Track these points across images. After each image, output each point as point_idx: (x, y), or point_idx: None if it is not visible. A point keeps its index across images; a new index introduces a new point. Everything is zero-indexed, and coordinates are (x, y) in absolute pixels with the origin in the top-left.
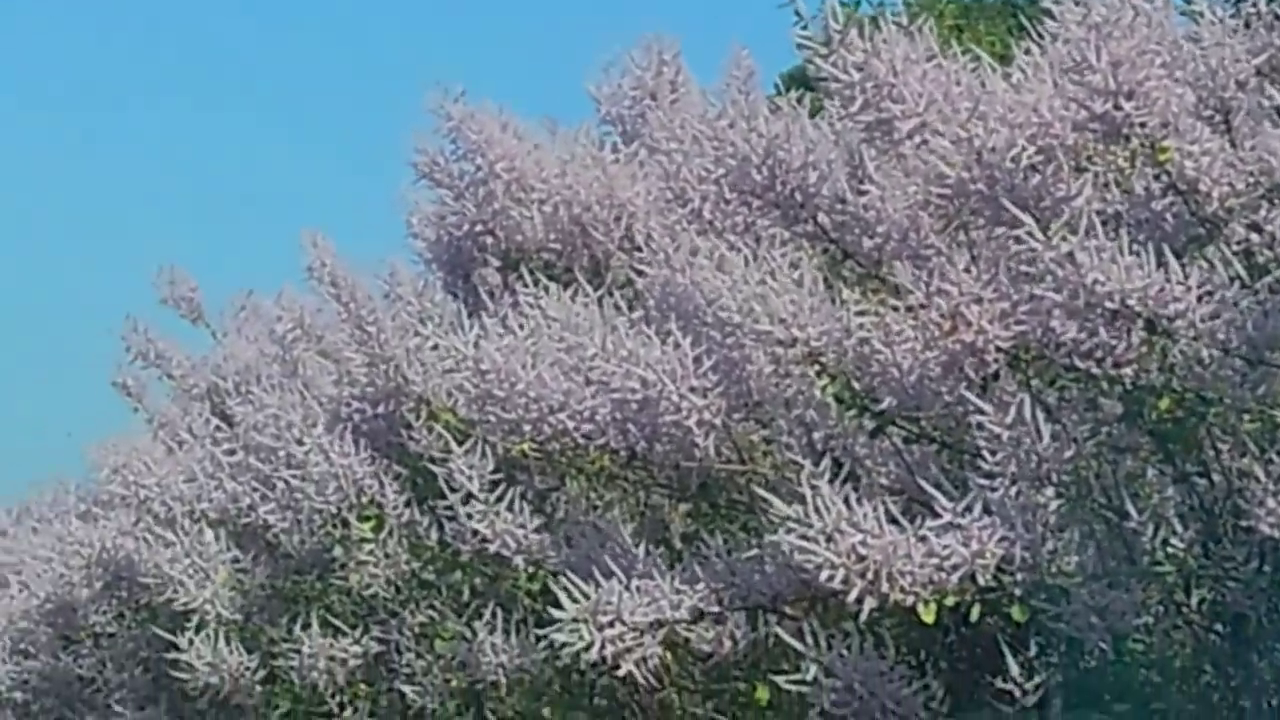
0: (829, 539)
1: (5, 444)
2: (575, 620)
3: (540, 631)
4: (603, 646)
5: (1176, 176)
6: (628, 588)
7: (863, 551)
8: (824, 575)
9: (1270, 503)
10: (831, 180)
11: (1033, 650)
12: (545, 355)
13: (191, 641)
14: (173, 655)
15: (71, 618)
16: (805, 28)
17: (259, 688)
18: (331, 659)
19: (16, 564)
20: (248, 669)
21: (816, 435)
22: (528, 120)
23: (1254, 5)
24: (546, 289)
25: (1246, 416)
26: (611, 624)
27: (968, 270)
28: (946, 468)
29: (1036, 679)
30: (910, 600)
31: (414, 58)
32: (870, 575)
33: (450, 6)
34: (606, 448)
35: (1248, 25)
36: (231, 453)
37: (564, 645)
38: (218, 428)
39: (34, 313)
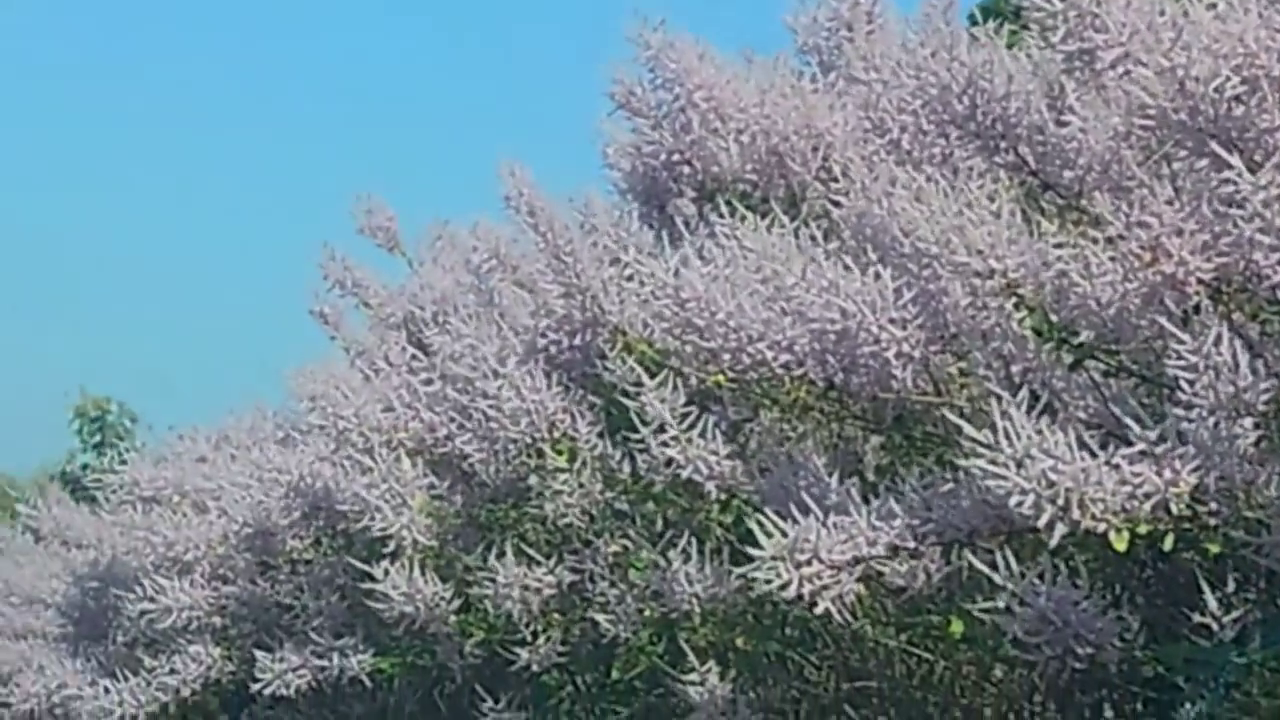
0: (1019, 465)
1: (205, 372)
2: (773, 559)
3: (736, 570)
4: (800, 585)
5: None
6: (824, 524)
7: (1053, 477)
8: (1014, 501)
9: None
10: (1031, 111)
11: (1230, 585)
12: (742, 285)
13: (387, 570)
14: (369, 584)
15: (269, 544)
16: None
17: (454, 616)
18: (526, 588)
19: (215, 490)
20: (443, 598)
21: (1014, 368)
22: (725, 51)
23: None
24: (743, 219)
25: None
26: (809, 562)
27: (1169, 202)
28: (1144, 402)
29: (1234, 613)
30: (1102, 527)
31: None
32: (1061, 501)
33: None
34: (803, 378)
35: None
36: (428, 382)
37: (760, 581)
38: (414, 357)
39: (233, 243)
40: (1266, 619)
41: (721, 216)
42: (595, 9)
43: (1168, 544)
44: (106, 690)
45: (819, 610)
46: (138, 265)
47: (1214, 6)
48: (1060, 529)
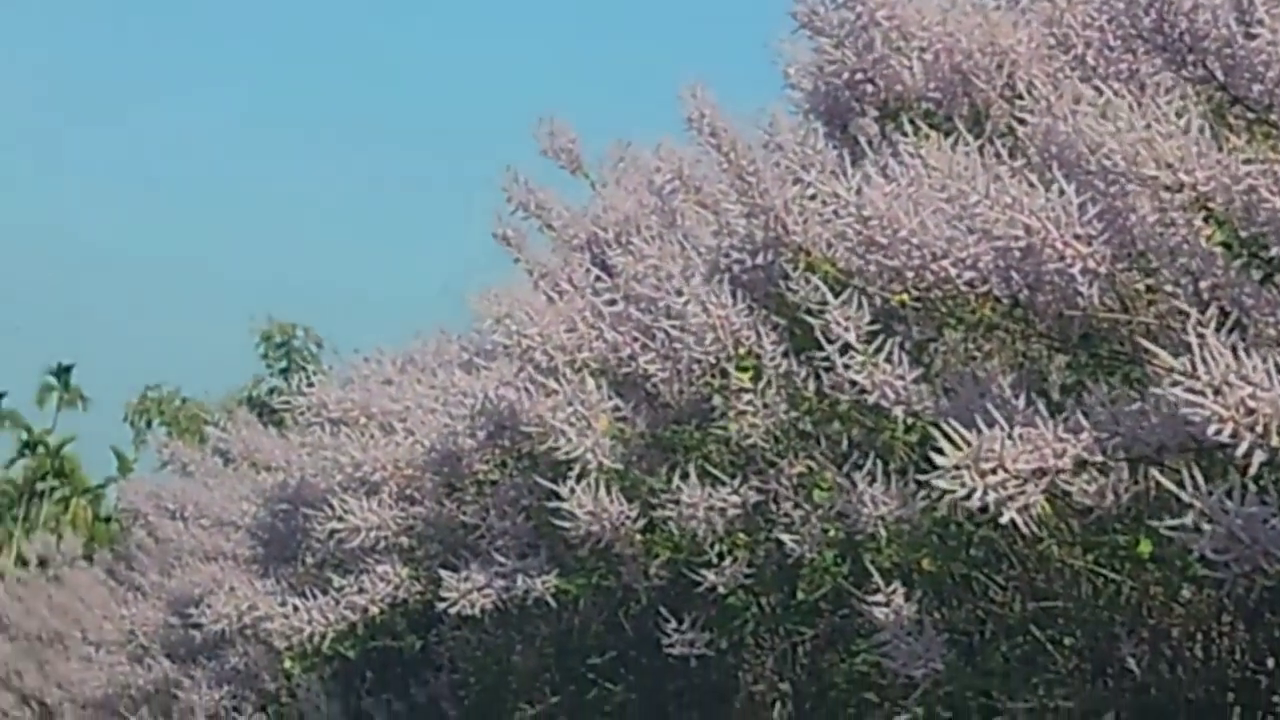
0: (1216, 391)
1: (390, 296)
2: (957, 467)
3: (920, 478)
4: (984, 494)
5: None
6: (1009, 436)
7: (1252, 405)
8: (1212, 429)
9: None
10: (1219, 24)
11: None
12: (926, 203)
13: (573, 490)
14: (554, 504)
15: (456, 466)
16: None
17: (638, 537)
18: (711, 509)
19: (402, 412)
20: (628, 518)
21: (1202, 284)
22: None
23: None
24: (926, 137)
25: None
26: (994, 471)
27: None
28: None
29: None
30: None
31: None
32: (1260, 429)
33: None
34: (988, 296)
35: None
36: (611, 303)
37: (944, 494)
38: (598, 278)
39: (417, 169)
40: None
41: (904, 135)
42: None
43: None
44: (296, 610)
45: (1003, 521)
46: (324, 192)
47: None
48: (1259, 456)
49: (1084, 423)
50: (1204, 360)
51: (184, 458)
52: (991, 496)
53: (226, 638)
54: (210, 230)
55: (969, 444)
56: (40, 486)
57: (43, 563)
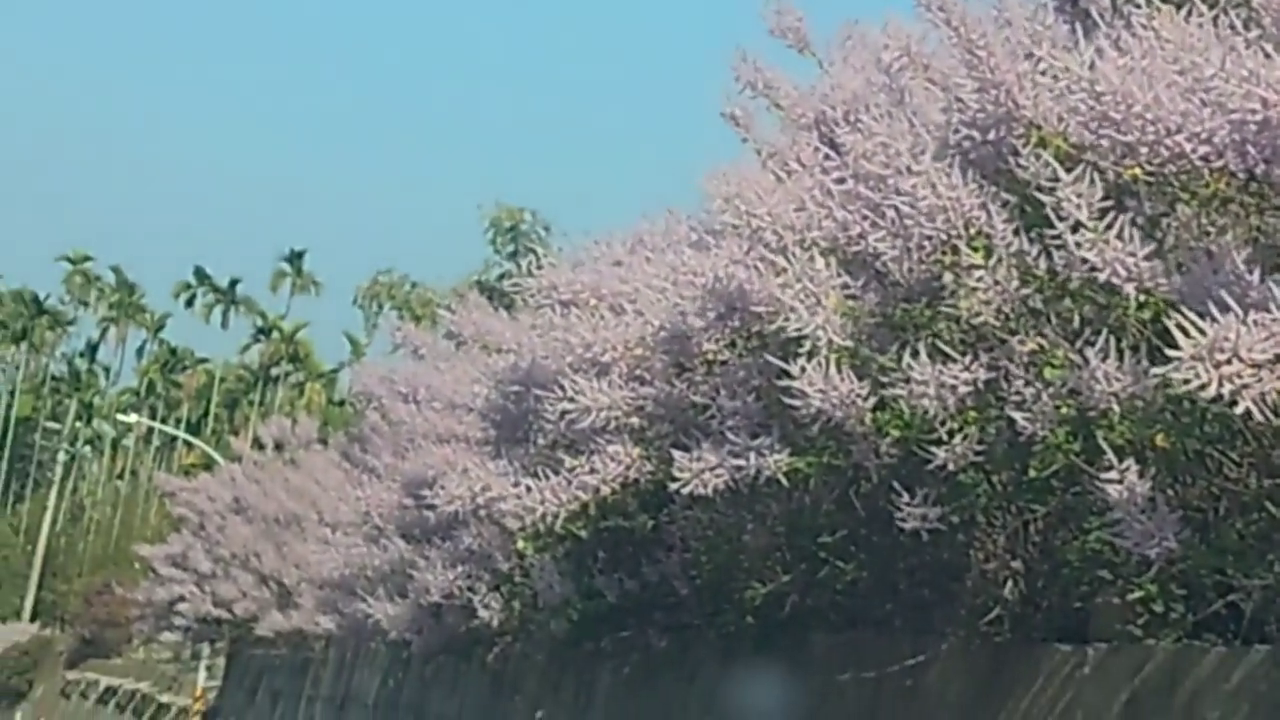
0: None
1: (619, 179)
2: (1191, 359)
3: (1155, 368)
4: (1220, 384)
5: None
6: (1244, 321)
7: None
8: None
9: None
10: None
11: None
12: (1160, 77)
13: (803, 368)
14: (784, 382)
15: (685, 345)
16: None
17: (869, 415)
18: (942, 386)
19: (631, 293)
20: (858, 395)
21: None
22: None
23: None
24: (1160, 10)
25: None
26: (1229, 361)
27: None
28: None
29: None
30: None
31: None
32: None
33: None
34: (1223, 170)
35: None
36: (840, 181)
37: (1179, 381)
38: (826, 156)
39: (640, 49)
40: None
41: (1138, 8)
42: None
43: None
44: (528, 490)
45: (1239, 409)
46: (547, 76)
47: None
48: None
49: None
50: None
51: (415, 341)
52: (1227, 387)
53: (460, 518)
54: (435, 117)
55: (1203, 333)
56: (275, 372)
57: (279, 446)
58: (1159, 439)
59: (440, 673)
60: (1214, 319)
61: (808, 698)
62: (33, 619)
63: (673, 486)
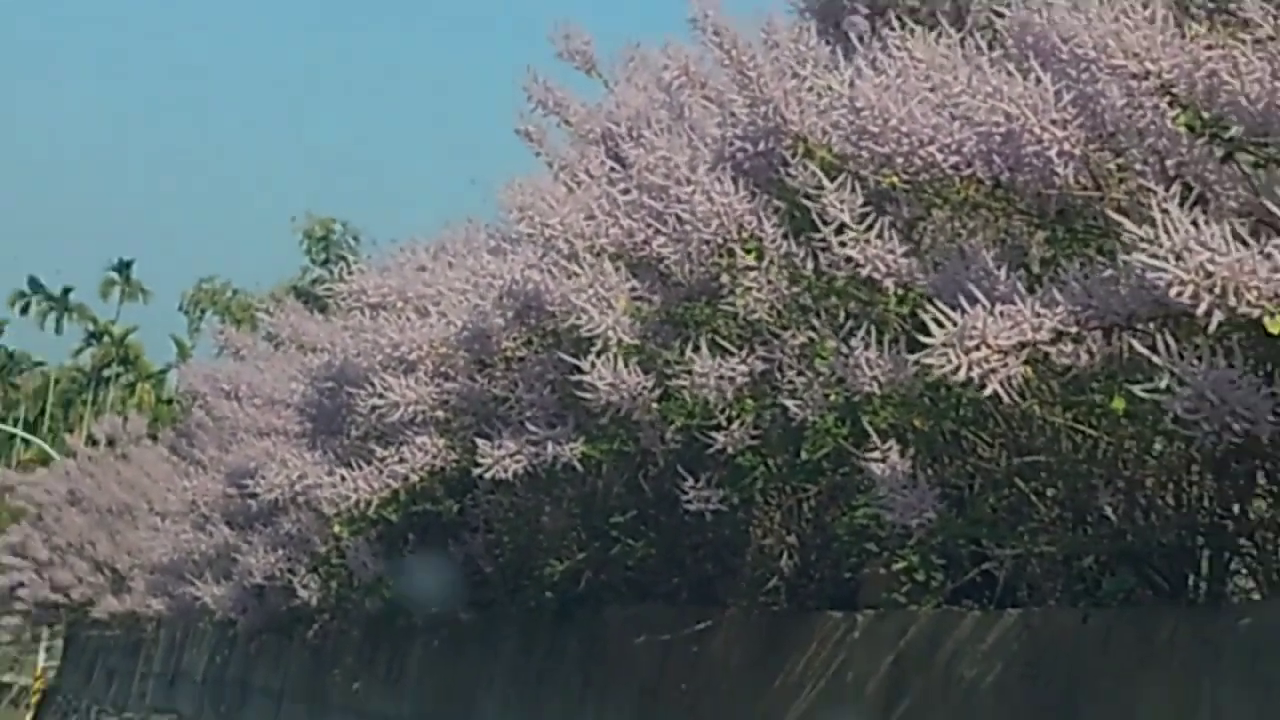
0: (1178, 257)
1: (422, 189)
2: (944, 345)
3: (910, 356)
4: (969, 369)
5: None
6: (991, 312)
7: (1210, 268)
8: (1174, 292)
9: None
10: None
11: None
12: (913, 93)
13: (594, 364)
14: (577, 377)
15: (486, 344)
16: None
17: (655, 405)
18: (721, 377)
19: (435, 295)
20: (645, 388)
21: (1168, 163)
22: None
23: None
24: (912, 32)
25: None
26: (977, 347)
27: None
28: None
29: None
30: (1256, 313)
31: None
32: (1218, 290)
33: None
34: (972, 178)
35: None
36: (625, 191)
37: (933, 366)
38: (612, 169)
39: (444, 70)
40: None
41: (892, 30)
42: None
43: None
44: (342, 479)
45: (988, 392)
46: (356, 95)
47: None
48: (1218, 316)
49: (1059, 297)
50: (1167, 230)
51: (237, 343)
52: (976, 371)
53: (280, 505)
54: (249, 134)
55: (954, 323)
56: (107, 373)
57: (111, 442)
58: (918, 421)
59: (264, 649)
60: (964, 310)
61: (603, 665)
62: None
63: (476, 472)
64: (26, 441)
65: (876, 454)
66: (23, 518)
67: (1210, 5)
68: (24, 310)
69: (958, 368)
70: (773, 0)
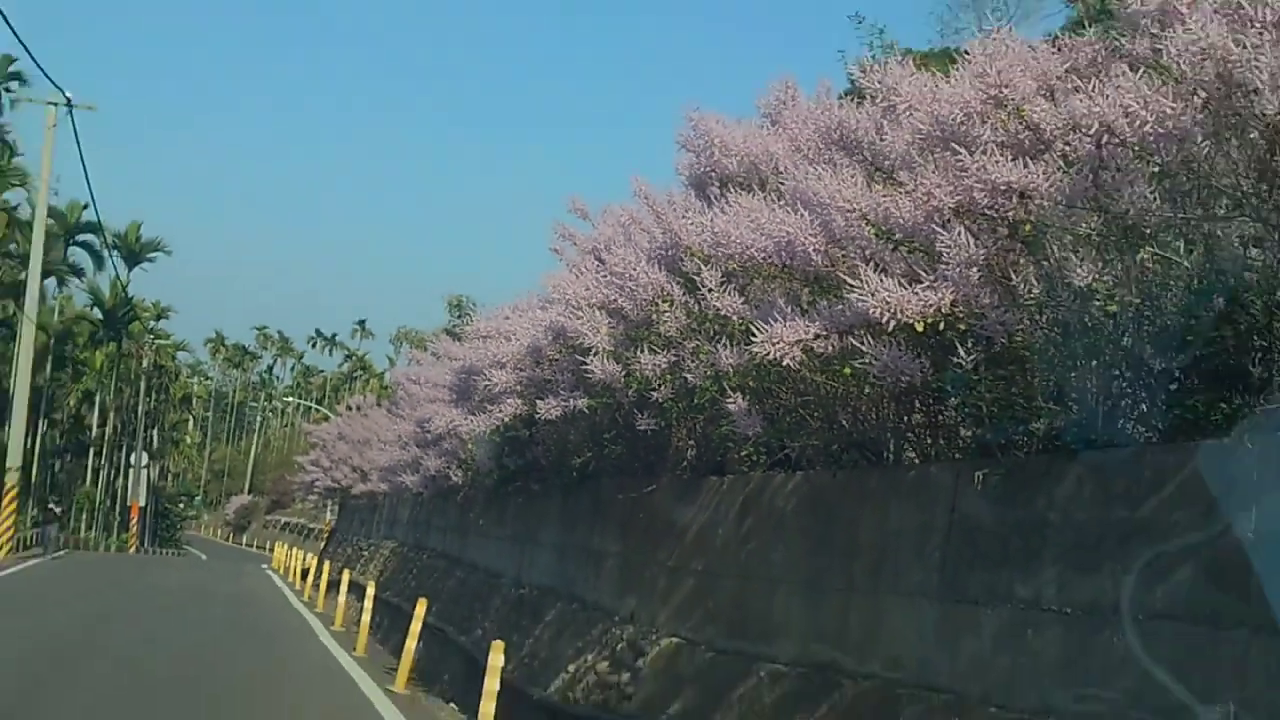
0: (873, 295)
1: (506, 278)
2: (761, 342)
3: (747, 349)
4: (775, 353)
5: None
6: (784, 325)
7: (889, 300)
8: (872, 312)
9: None
10: (868, 134)
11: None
12: (741, 222)
13: (592, 361)
14: (585, 368)
15: (538, 354)
16: None
17: (622, 379)
18: (654, 365)
19: (513, 330)
20: (616, 372)
21: (866, 252)
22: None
23: None
24: (740, 191)
25: None
26: (777, 343)
27: None
28: (922, 266)
29: (972, 357)
30: (912, 322)
31: None
32: (893, 311)
33: None
34: (772, 263)
35: None
36: (604, 276)
37: (756, 352)
38: (598, 266)
39: (516, 223)
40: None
41: (730, 192)
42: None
43: (938, 328)
44: (470, 420)
45: (784, 364)
46: (474, 225)
47: None
48: (892, 323)
49: (817, 317)
50: (867, 284)
51: (418, 358)
52: (777, 354)
53: (442, 436)
54: (416, 234)
55: (766, 331)
56: (355, 375)
57: (358, 408)
58: (751, 382)
59: (435, 508)
60: (770, 325)
61: (601, 510)
62: (248, 493)
63: (538, 416)
64: (318, 410)
65: (731, 400)
66: (315, 449)
67: (881, 174)
68: (312, 345)
69: (769, 353)
70: (671, 177)
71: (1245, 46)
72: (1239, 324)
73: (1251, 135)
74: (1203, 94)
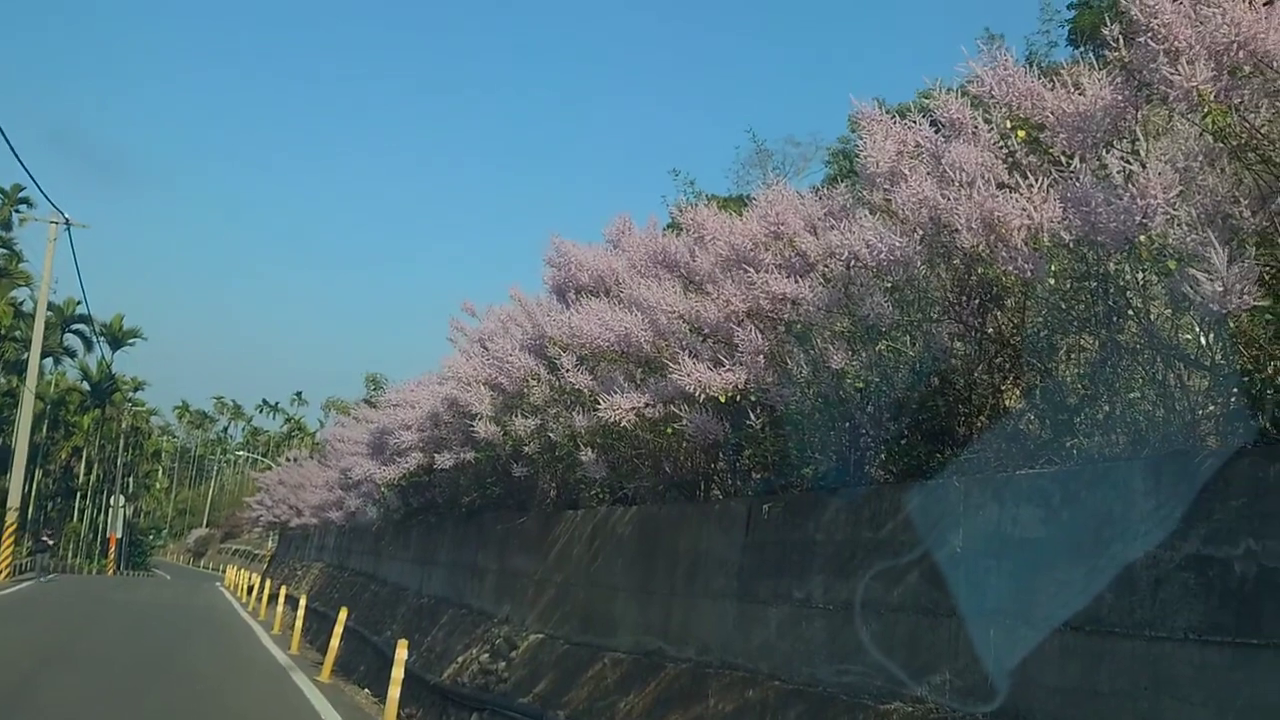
0: (688, 375)
1: (405, 364)
2: (606, 408)
3: (595, 413)
4: (616, 417)
5: None
6: (623, 396)
7: (701, 379)
8: (688, 388)
9: None
10: (682, 257)
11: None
12: (590, 319)
13: (478, 423)
14: (471, 429)
15: (437, 418)
16: None
17: (502, 436)
18: (524, 427)
19: (415, 400)
20: (497, 431)
21: (683, 342)
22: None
23: None
24: (590, 298)
25: None
26: (616, 409)
27: None
28: (723, 349)
29: (762, 419)
30: (717, 394)
31: None
32: (703, 385)
33: None
34: (613, 351)
35: None
36: (491, 361)
37: (601, 416)
38: (482, 352)
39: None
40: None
41: (582, 298)
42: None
43: (736, 399)
44: (383, 469)
45: (623, 424)
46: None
47: None
48: (702, 395)
49: (648, 390)
50: (683, 366)
51: (342, 421)
52: (617, 417)
53: (360, 481)
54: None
55: (609, 401)
56: (292, 435)
57: (295, 459)
58: (599, 439)
59: (356, 535)
60: (613, 395)
61: (483, 536)
62: (206, 526)
63: (436, 466)
64: (263, 461)
65: (583, 453)
66: (260, 491)
67: (694, 285)
68: (260, 411)
69: (612, 417)
70: (539, 285)
71: (949, 199)
72: (948, 396)
73: (955, 261)
74: (920, 231)
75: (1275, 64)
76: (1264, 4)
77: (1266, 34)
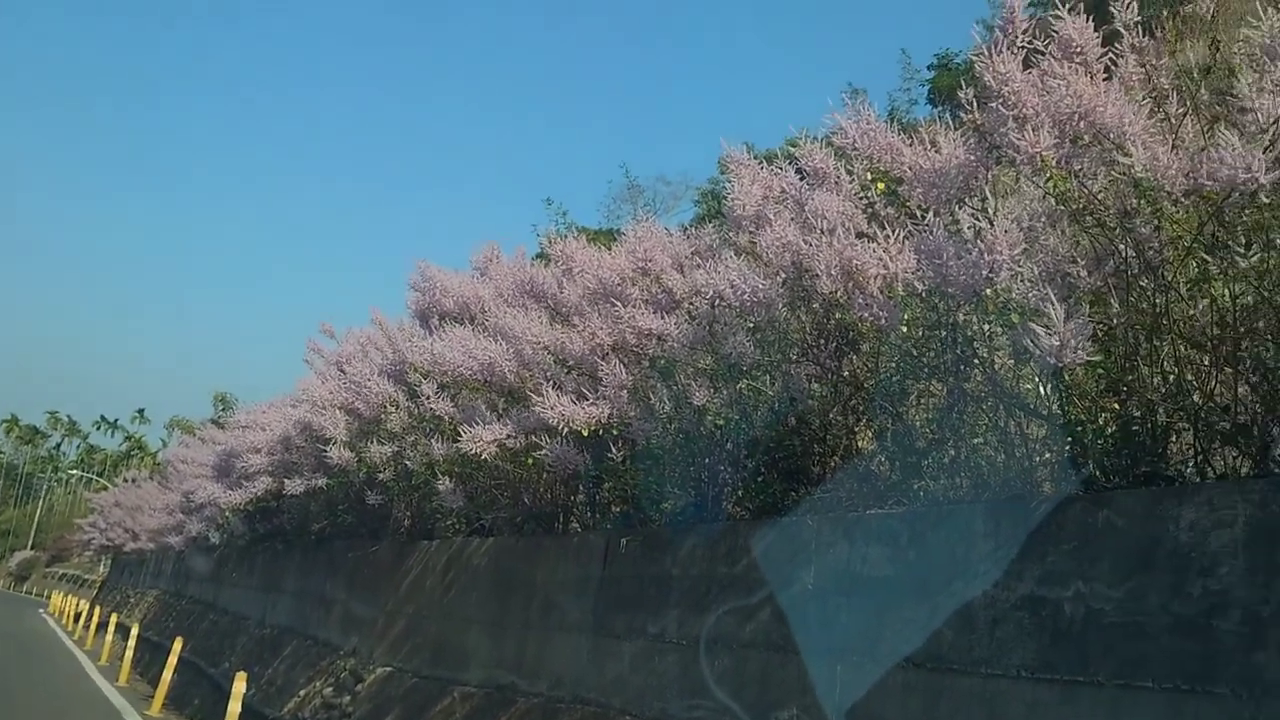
0: (551, 408)
1: (267, 380)
2: (467, 440)
3: (455, 445)
4: (477, 448)
5: None
6: (484, 428)
7: (565, 412)
8: (551, 420)
9: None
10: (549, 286)
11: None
12: (454, 346)
13: (331, 447)
14: (324, 454)
15: (289, 443)
16: None
17: (357, 462)
18: (381, 454)
19: (267, 423)
20: (350, 458)
21: (548, 374)
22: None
23: None
24: (455, 324)
25: None
26: (477, 441)
27: None
28: (585, 385)
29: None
30: (580, 428)
31: None
32: (566, 419)
33: None
34: (476, 380)
35: None
36: (347, 386)
37: (464, 448)
38: (339, 376)
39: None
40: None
41: (446, 325)
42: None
43: (599, 432)
44: (229, 493)
45: (483, 456)
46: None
47: None
48: (566, 429)
49: (510, 422)
50: (546, 398)
51: (187, 441)
52: (477, 449)
53: (203, 504)
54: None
55: (471, 432)
56: (133, 454)
57: (134, 480)
58: (458, 469)
59: (192, 560)
60: (475, 426)
61: (333, 565)
62: (31, 549)
63: (285, 492)
64: (99, 481)
65: (440, 481)
66: (94, 512)
67: (560, 317)
68: (98, 428)
69: (473, 448)
70: (402, 309)
71: (810, 244)
72: (804, 435)
73: (814, 305)
74: (783, 275)
75: (1112, 135)
76: (1104, 79)
77: (1105, 107)
